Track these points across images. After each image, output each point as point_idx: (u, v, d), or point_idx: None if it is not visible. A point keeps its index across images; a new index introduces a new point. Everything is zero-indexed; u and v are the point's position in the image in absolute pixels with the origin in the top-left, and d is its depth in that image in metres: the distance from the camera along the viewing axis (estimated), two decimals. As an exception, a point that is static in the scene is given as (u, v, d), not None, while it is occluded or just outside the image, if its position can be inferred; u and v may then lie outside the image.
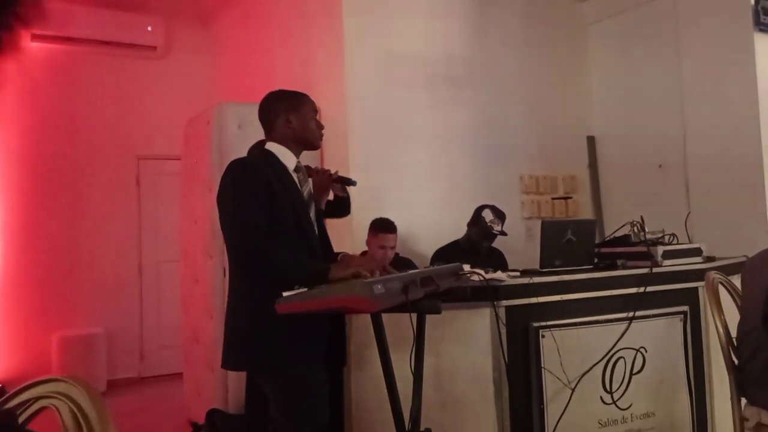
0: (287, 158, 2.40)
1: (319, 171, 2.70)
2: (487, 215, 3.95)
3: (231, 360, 2.33)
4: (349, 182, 2.75)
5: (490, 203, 4.07)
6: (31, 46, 5.79)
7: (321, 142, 2.54)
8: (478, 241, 3.98)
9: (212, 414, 3.98)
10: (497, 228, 3.93)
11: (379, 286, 1.92)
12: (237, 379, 3.83)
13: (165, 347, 6.01)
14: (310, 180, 2.57)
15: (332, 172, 2.71)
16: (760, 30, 4.10)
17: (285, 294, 1.94)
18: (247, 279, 2.29)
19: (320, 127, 2.48)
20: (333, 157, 4.39)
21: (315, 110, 2.49)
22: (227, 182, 2.28)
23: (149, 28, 6.17)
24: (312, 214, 2.43)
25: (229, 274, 2.40)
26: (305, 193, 2.42)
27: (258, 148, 2.49)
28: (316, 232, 2.43)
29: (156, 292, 6.21)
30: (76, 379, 0.93)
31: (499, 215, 3.98)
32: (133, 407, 5.16)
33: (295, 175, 2.40)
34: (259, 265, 2.21)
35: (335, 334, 2.41)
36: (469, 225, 4.06)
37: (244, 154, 2.55)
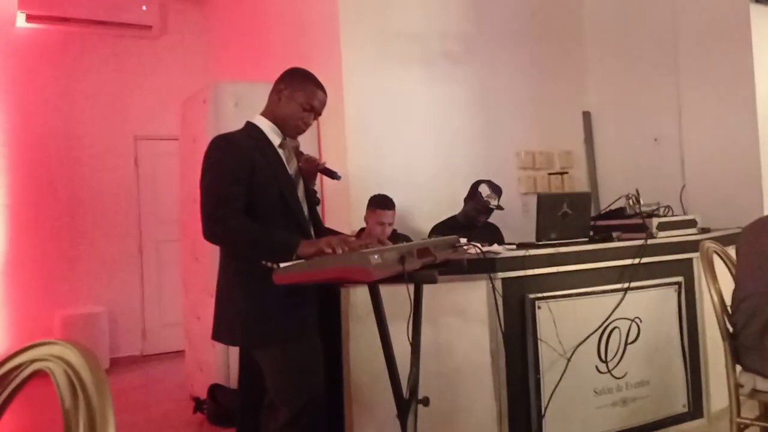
0: (272, 133, 2.35)
1: (307, 158, 2.64)
2: (484, 190, 3.96)
3: (224, 335, 2.33)
4: (334, 176, 2.69)
5: (487, 179, 4.07)
6: (27, 27, 5.77)
7: (297, 135, 2.44)
8: (475, 216, 3.99)
9: (214, 389, 4.03)
10: (494, 202, 3.94)
11: (376, 257, 1.93)
12: (238, 355, 3.87)
13: (166, 325, 6.06)
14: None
15: (320, 162, 2.65)
16: (757, 1, 4.07)
17: (282, 265, 1.96)
18: (237, 256, 2.27)
19: (305, 122, 2.37)
20: (330, 135, 4.39)
21: (312, 104, 2.35)
22: (206, 158, 2.26)
23: (144, 8, 6.12)
24: (300, 192, 2.39)
25: (220, 252, 2.37)
26: (291, 170, 2.37)
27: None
28: (306, 210, 2.39)
29: (156, 271, 6.25)
30: (70, 341, 0.95)
31: (496, 190, 3.99)
32: (136, 384, 5.21)
33: (280, 151, 2.35)
34: (224, 237, 2.18)
35: (324, 304, 2.42)
36: (466, 200, 4.07)
37: (237, 129, 2.52)
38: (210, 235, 2.17)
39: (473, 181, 4.08)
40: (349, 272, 1.92)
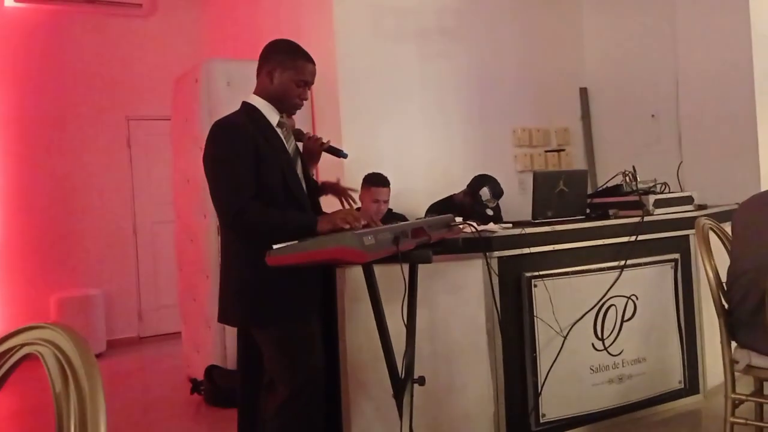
0: (270, 113, 2.32)
1: (311, 137, 2.60)
2: (485, 194, 3.93)
3: (228, 317, 2.34)
4: (340, 154, 2.61)
5: (492, 177, 4.01)
6: (15, 7, 5.68)
7: (295, 111, 2.42)
8: (469, 213, 3.97)
9: (211, 370, 4.04)
10: (491, 205, 3.92)
11: (370, 237, 1.92)
12: (234, 336, 3.87)
13: (162, 307, 6.06)
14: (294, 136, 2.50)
15: (324, 141, 2.60)
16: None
17: (275, 246, 1.94)
18: (239, 237, 2.27)
19: (302, 97, 2.35)
20: (324, 113, 4.35)
21: (305, 79, 2.33)
22: (211, 146, 2.23)
23: (133, -15, 6.03)
24: (299, 171, 2.38)
25: (221, 233, 2.38)
26: (290, 149, 2.37)
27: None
28: (305, 188, 2.38)
29: (151, 252, 6.22)
30: (60, 325, 0.93)
31: (497, 194, 3.96)
32: (132, 366, 5.22)
33: (278, 131, 2.34)
34: (247, 229, 2.18)
35: (324, 286, 2.42)
36: (466, 192, 4.04)
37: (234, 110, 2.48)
38: (233, 230, 2.21)
39: (470, 161, 4.05)
40: (342, 253, 1.91)
